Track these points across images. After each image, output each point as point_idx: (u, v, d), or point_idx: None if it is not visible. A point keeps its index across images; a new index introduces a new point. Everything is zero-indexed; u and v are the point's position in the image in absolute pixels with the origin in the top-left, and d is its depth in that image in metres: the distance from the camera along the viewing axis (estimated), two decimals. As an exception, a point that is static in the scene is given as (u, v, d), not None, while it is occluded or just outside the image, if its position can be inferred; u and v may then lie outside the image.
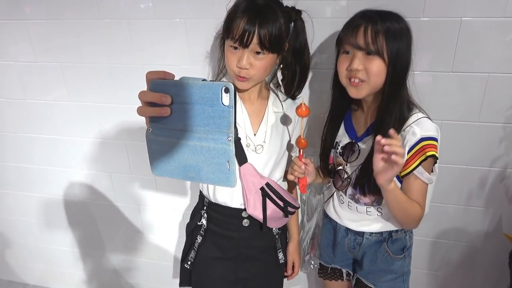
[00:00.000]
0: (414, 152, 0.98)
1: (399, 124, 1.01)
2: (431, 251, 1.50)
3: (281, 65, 1.15)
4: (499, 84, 1.19)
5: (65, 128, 1.65)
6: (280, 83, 1.21)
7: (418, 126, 0.99)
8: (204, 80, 0.63)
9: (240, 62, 1.00)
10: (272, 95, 1.17)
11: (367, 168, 1.05)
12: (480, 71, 1.19)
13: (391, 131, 0.88)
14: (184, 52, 1.38)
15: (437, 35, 1.17)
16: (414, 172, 1.00)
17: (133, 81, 1.45)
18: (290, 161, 1.25)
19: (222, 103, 0.62)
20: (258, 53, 1.00)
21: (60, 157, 1.73)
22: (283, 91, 1.22)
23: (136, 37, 1.40)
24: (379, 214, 1.13)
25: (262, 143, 1.12)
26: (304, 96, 1.33)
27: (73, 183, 1.78)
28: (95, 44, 1.45)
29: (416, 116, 1.01)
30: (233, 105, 0.62)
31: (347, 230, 1.20)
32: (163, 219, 1.77)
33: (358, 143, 1.11)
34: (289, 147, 1.22)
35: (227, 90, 0.61)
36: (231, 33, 0.98)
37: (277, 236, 1.26)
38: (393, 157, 0.86)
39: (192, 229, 1.26)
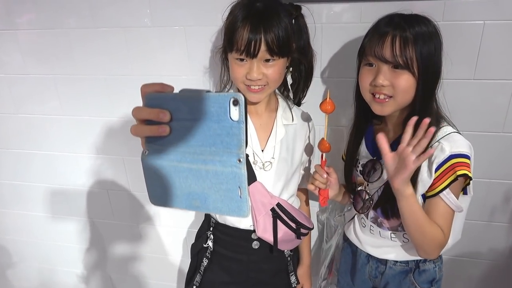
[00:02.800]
0: (443, 171, 0.88)
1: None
2: (451, 269, 1.40)
3: (291, 68, 1.06)
4: (525, 92, 1.10)
5: (60, 144, 1.56)
6: (290, 87, 1.13)
7: (448, 142, 0.89)
8: (208, 91, 0.53)
9: (250, 74, 0.92)
10: (281, 106, 1.08)
11: (391, 188, 0.96)
12: (505, 78, 1.10)
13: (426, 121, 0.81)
14: (184, 62, 1.30)
15: (458, 40, 1.08)
16: (440, 194, 0.90)
17: (130, 93, 1.37)
18: (306, 176, 1.17)
19: (231, 117, 0.52)
20: (267, 60, 0.92)
21: (54, 173, 1.64)
22: (291, 97, 1.14)
23: (132, 46, 1.31)
24: (405, 241, 1.03)
25: (271, 159, 1.04)
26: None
27: (68, 200, 1.69)
28: (89, 55, 1.36)
29: (444, 130, 0.92)
30: (244, 120, 0.52)
31: (369, 256, 1.10)
32: (166, 237, 1.68)
33: (381, 161, 1.01)
34: (302, 161, 1.13)
35: (236, 103, 0.51)
36: (235, 45, 0.90)
37: (289, 259, 1.17)
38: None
39: (197, 251, 1.18)
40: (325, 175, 1.02)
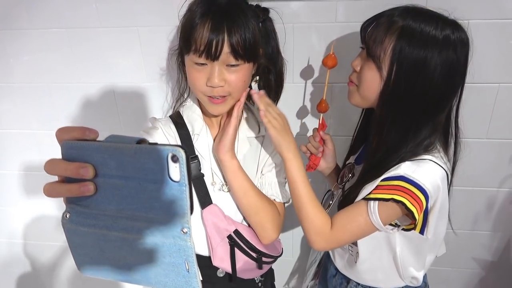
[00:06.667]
0: (385, 185, 0.75)
1: (398, 161, 0.77)
2: (433, 280, 1.34)
3: (257, 77, 0.93)
4: (511, 96, 1.04)
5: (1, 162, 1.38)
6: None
7: (412, 164, 0.75)
8: (141, 141, 0.41)
9: (211, 80, 0.78)
10: (245, 119, 0.95)
11: (351, 193, 0.85)
12: (490, 81, 1.03)
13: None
14: (139, 66, 1.14)
15: (441, 41, 0.99)
16: (369, 201, 0.76)
17: (77, 103, 1.21)
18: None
19: (170, 177, 0.41)
20: (232, 65, 0.78)
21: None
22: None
23: (78, 50, 1.14)
24: (351, 254, 0.92)
25: None
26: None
27: (18, 223, 1.51)
28: (27, 60, 1.18)
29: (424, 156, 0.76)
30: (186, 182, 0.40)
31: (337, 270, 1.00)
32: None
33: (356, 166, 0.93)
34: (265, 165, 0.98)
35: (175, 158, 0.39)
36: (192, 45, 0.76)
37: (260, 284, 1.05)
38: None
39: None
40: (317, 139, 0.93)
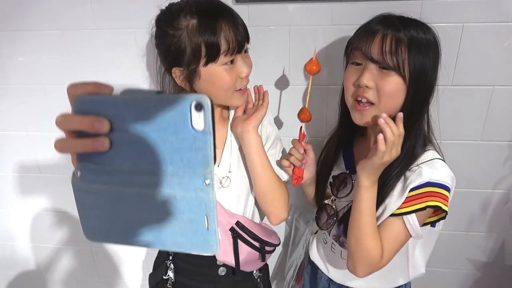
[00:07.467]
0: (415, 195, 0.78)
1: (407, 161, 0.81)
2: (428, 281, 1.35)
3: None
4: (505, 98, 1.04)
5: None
6: None
7: (429, 167, 0.79)
8: (160, 92, 0.40)
9: (245, 71, 0.83)
10: (233, 113, 0.96)
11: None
12: (484, 83, 1.03)
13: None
14: (135, 68, 1.14)
15: (436, 44, 0.99)
16: (403, 216, 0.79)
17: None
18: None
19: (193, 127, 0.39)
20: (245, 50, 0.84)
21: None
22: None
23: (74, 51, 1.14)
24: None
25: (228, 174, 0.92)
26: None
27: (13, 225, 1.50)
28: (23, 61, 1.18)
29: (428, 155, 0.82)
30: (211, 130, 0.39)
31: (330, 281, 0.99)
32: (122, 260, 1.53)
33: (353, 176, 0.91)
34: None
35: (199, 107, 0.38)
36: (220, 50, 0.78)
37: (258, 280, 1.07)
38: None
39: (156, 282, 1.04)
40: (301, 150, 0.91)
